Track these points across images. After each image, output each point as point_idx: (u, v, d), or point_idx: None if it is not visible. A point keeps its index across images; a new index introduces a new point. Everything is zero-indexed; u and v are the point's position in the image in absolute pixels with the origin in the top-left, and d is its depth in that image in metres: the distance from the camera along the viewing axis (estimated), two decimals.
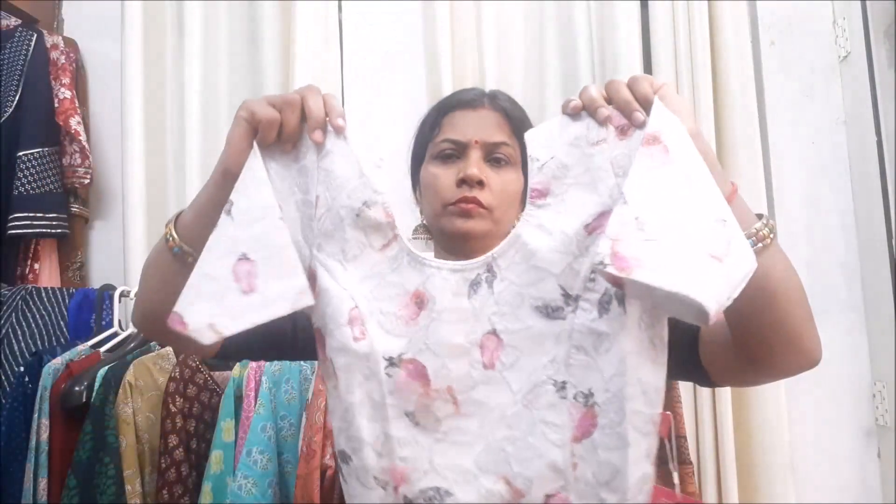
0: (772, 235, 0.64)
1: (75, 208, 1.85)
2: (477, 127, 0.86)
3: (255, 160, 0.65)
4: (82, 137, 1.81)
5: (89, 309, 1.61)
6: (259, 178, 0.64)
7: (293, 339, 0.87)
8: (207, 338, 0.60)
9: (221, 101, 1.77)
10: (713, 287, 0.53)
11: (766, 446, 1.51)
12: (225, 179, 0.66)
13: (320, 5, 1.75)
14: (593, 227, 0.62)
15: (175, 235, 0.71)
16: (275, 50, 1.76)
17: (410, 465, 0.66)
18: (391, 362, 0.66)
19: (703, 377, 0.78)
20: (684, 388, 1.51)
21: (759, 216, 0.65)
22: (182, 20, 1.77)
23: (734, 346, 0.71)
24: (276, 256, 0.63)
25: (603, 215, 0.61)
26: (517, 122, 0.87)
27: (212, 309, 0.61)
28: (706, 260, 0.54)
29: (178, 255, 0.71)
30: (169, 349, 1.39)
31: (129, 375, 1.29)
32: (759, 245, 0.63)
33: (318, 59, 1.73)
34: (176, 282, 0.65)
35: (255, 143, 0.65)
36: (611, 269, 0.53)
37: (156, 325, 0.75)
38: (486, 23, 1.69)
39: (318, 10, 1.75)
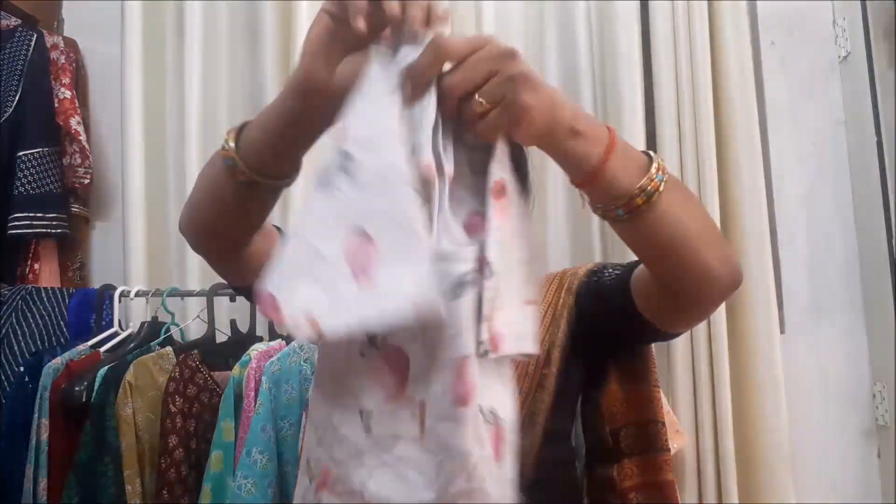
0: (661, 186, 0.59)
1: (75, 208, 1.85)
2: None
3: (378, 81, 0.52)
4: (82, 137, 1.81)
5: (89, 309, 1.61)
6: (386, 122, 0.50)
7: None
8: (305, 334, 0.47)
9: (221, 101, 1.77)
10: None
11: (766, 446, 1.50)
12: (304, 94, 0.57)
13: (320, 5, 1.75)
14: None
15: (231, 145, 0.62)
16: (275, 50, 1.75)
17: (338, 472, 0.55)
18: (371, 341, 0.54)
19: (650, 328, 0.79)
20: (684, 388, 1.51)
21: (648, 156, 0.61)
22: (182, 20, 1.77)
23: (658, 289, 0.72)
24: (404, 239, 0.48)
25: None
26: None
27: (315, 297, 0.47)
28: (524, 308, 0.54)
29: (229, 168, 0.63)
30: (169, 349, 1.39)
31: (129, 375, 1.29)
32: (650, 196, 0.58)
33: None
34: (225, 196, 0.63)
35: (374, 49, 0.52)
36: (492, 355, 0.49)
37: (200, 239, 0.75)
38: (487, 23, 1.69)
39: (318, 10, 1.74)
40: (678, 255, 0.63)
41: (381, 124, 0.50)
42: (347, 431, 0.54)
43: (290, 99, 0.59)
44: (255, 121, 0.63)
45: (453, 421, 0.49)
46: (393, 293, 0.47)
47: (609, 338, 0.92)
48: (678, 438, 1.40)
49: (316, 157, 0.58)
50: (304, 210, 0.52)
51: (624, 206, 0.58)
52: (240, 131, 0.64)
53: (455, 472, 0.48)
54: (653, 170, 0.59)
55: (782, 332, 1.58)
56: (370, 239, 0.48)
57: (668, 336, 0.87)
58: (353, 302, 0.47)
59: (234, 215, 0.69)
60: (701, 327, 1.49)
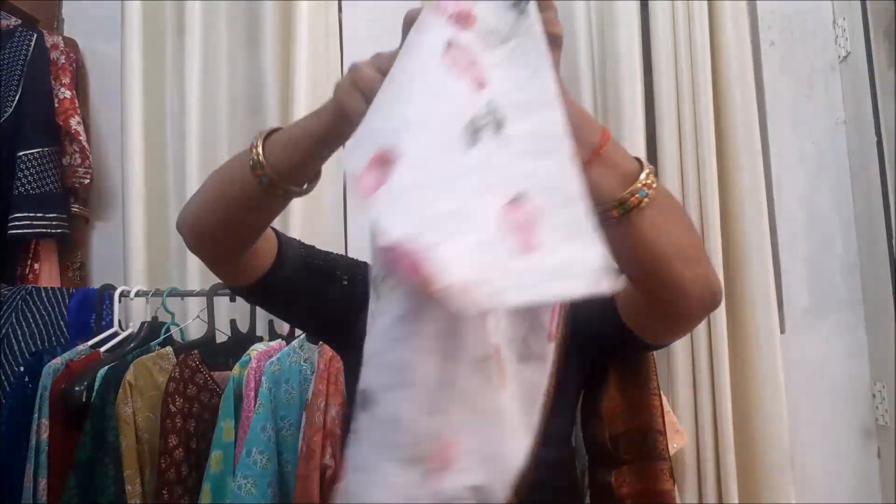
0: (642, 202, 0.58)
1: (75, 208, 1.85)
2: None
3: (526, 43, 0.50)
4: (82, 137, 1.81)
5: (89, 309, 1.61)
6: (542, 86, 0.48)
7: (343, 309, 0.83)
8: (465, 306, 0.40)
9: (221, 101, 1.77)
10: None
11: (766, 446, 1.50)
12: (337, 122, 0.59)
13: (320, 5, 1.75)
14: None
15: (263, 160, 0.64)
16: (275, 50, 1.76)
17: (471, 440, 0.47)
18: None
19: (634, 339, 0.79)
20: (684, 387, 1.51)
21: (641, 165, 0.59)
22: (182, 20, 1.77)
23: (638, 299, 0.71)
24: (568, 206, 0.45)
25: None
26: None
27: (467, 260, 0.41)
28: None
29: (254, 171, 0.64)
30: (169, 349, 1.39)
31: (129, 375, 1.29)
32: (627, 210, 0.58)
33: (318, 59, 1.73)
34: (244, 197, 0.64)
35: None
36: None
37: (205, 239, 0.74)
38: None
39: (318, 10, 1.74)
40: (651, 269, 0.63)
41: (536, 87, 0.48)
42: (465, 383, 0.47)
43: (323, 124, 0.62)
44: (286, 132, 0.66)
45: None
46: (563, 266, 0.43)
47: (597, 346, 0.91)
48: (678, 438, 1.40)
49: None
50: (441, 159, 0.45)
51: (600, 215, 0.56)
52: (267, 136, 0.66)
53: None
54: (638, 184, 0.58)
55: (782, 331, 1.58)
56: (531, 206, 0.44)
57: (652, 347, 0.86)
58: (518, 270, 0.42)
59: (249, 215, 0.70)
60: (701, 327, 1.49)
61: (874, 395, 1.62)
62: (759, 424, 1.51)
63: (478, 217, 0.43)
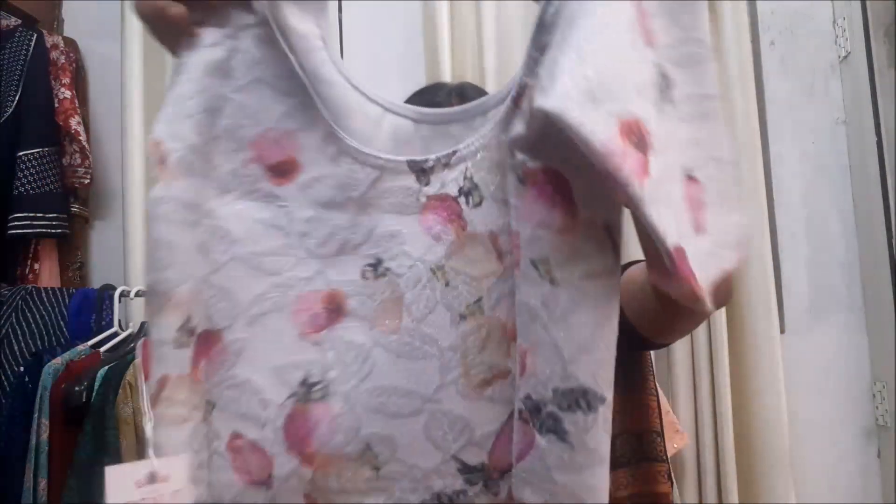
0: None
1: (75, 208, 1.85)
2: None
3: None
4: (82, 137, 1.81)
5: (89, 309, 1.61)
6: (707, 37, 0.44)
7: None
8: (711, 308, 0.40)
9: None
10: None
11: (766, 446, 1.51)
12: None
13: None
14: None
15: None
16: None
17: None
18: None
19: (636, 337, 0.75)
20: (684, 387, 1.51)
21: None
22: None
23: (655, 297, 0.66)
24: (725, 179, 0.44)
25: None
26: None
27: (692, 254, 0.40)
28: None
29: None
30: None
31: (129, 375, 1.29)
32: None
33: None
34: None
35: None
36: None
37: None
38: (487, 22, 1.69)
39: None
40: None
41: (693, 42, 0.44)
42: None
43: None
44: None
45: None
46: (723, 243, 0.42)
47: None
48: (678, 439, 1.40)
49: None
50: (667, 138, 0.41)
51: None
52: None
53: None
54: None
55: (782, 331, 1.58)
56: (700, 179, 0.42)
57: (653, 346, 0.85)
58: (700, 256, 0.40)
59: None
60: (701, 327, 1.49)
61: (874, 395, 1.62)
62: (759, 424, 1.51)
63: (673, 200, 0.41)
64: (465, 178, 0.51)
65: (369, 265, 0.52)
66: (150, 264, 0.49)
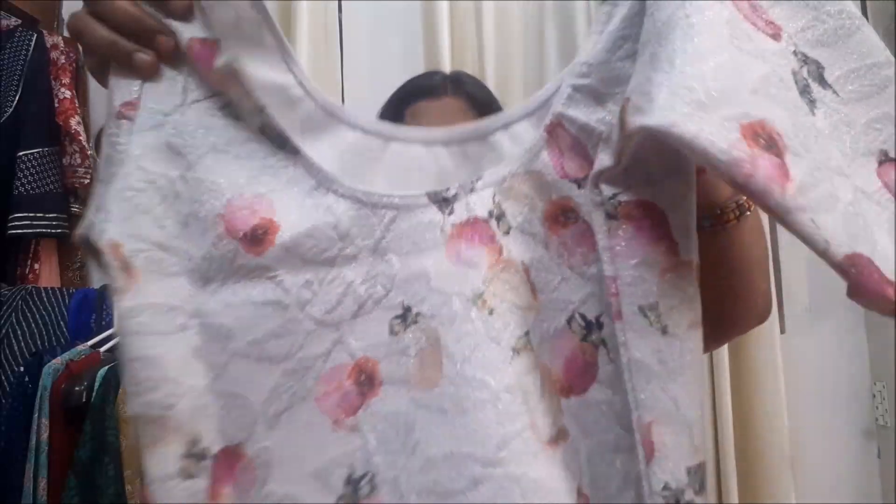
0: (751, 206, 0.54)
1: (75, 208, 1.85)
2: (440, 117, 0.79)
3: None
4: (82, 137, 1.81)
5: (89, 309, 1.61)
6: (848, 5, 0.40)
7: None
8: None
9: None
10: None
11: (766, 446, 1.51)
12: None
13: (320, 5, 1.75)
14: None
15: None
16: None
17: None
18: None
19: None
20: None
21: None
22: None
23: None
24: None
25: None
26: (484, 107, 0.81)
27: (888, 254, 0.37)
28: None
29: None
30: None
31: None
32: (742, 212, 0.53)
33: (318, 59, 1.73)
34: None
35: None
36: None
37: None
38: (487, 22, 1.69)
39: (318, 10, 1.75)
40: (739, 278, 0.57)
41: (828, 15, 0.40)
42: None
43: None
44: None
45: None
46: None
47: None
48: None
49: None
50: (806, 137, 0.36)
51: (715, 218, 0.52)
52: None
53: None
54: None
55: (782, 332, 1.58)
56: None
57: None
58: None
59: None
60: None
61: (874, 396, 1.62)
62: (759, 424, 1.51)
63: (869, 198, 0.37)
64: (493, 202, 0.46)
65: (397, 317, 0.45)
66: (135, 388, 0.41)
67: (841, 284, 0.36)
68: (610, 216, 0.40)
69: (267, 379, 0.43)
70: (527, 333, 0.44)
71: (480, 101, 0.83)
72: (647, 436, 0.38)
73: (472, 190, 0.46)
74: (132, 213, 0.43)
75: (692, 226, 0.41)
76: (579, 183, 0.43)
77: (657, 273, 0.39)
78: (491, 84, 1.59)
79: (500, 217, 0.45)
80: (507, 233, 0.45)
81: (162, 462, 0.41)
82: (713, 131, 0.33)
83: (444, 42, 1.68)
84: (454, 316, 0.43)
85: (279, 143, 0.46)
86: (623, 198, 0.40)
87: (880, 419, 1.60)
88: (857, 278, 0.35)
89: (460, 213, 0.46)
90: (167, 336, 0.43)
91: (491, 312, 0.44)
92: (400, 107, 0.82)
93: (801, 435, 1.58)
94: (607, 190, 0.41)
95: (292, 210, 0.45)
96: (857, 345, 1.64)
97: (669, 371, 0.39)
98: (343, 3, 1.81)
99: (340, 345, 0.44)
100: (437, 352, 0.43)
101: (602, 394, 0.42)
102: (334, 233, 0.45)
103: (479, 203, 0.46)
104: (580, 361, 0.43)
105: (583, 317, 0.43)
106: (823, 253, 0.35)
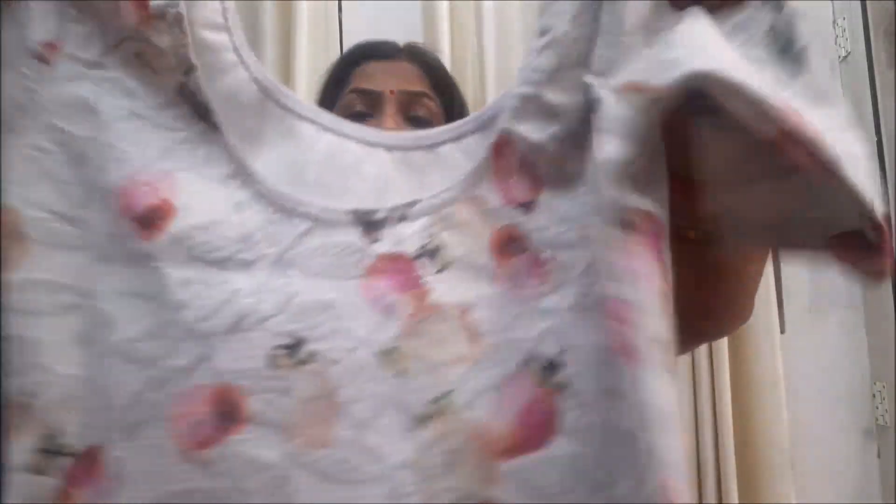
0: None
1: None
2: (393, 76, 0.72)
3: None
4: None
5: None
6: None
7: None
8: None
9: None
10: None
11: (766, 446, 1.51)
12: None
13: (320, 5, 1.75)
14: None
15: None
16: (274, 50, 1.75)
17: None
18: None
19: None
20: (683, 387, 1.51)
21: None
22: None
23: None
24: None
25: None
26: (439, 76, 0.77)
27: None
28: None
29: None
30: None
31: None
32: None
33: (318, 59, 1.73)
34: None
35: None
36: None
37: None
38: (487, 22, 1.69)
39: (318, 10, 1.74)
40: (735, 288, 0.54)
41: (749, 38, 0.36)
42: None
43: None
44: None
45: None
46: None
47: None
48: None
49: None
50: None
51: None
52: None
53: None
54: None
55: (782, 331, 1.58)
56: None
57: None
58: None
59: None
60: None
61: (874, 395, 1.62)
62: (759, 424, 1.51)
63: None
64: (427, 234, 0.40)
65: (282, 347, 0.37)
66: (6, 368, 0.37)
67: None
68: (623, 224, 0.33)
69: (132, 383, 0.37)
70: (448, 393, 0.37)
71: (436, 69, 0.78)
72: (665, 498, 0.31)
73: (403, 218, 0.40)
74: (36, 178, 0.38)
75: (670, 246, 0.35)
76: (526, 207, 0.39)
77: (663, 298, 0.34)
78: (491, 83, 1.59)
79: (434, 252, 0.39)
80: (440, 270, 0.39)
81: (15, 453, 0.37)
82: (751, 81, 0.30)
83: (444, 42, 1.68)
84: (359, 370, 0.37)
85: (201, 112, 0.40)
86: (634, 204, 0.34)
87: (880, 419, 1.60)
88: (885, 239, 0.32)
89: (386, 243, 0.39)
90: (49, 317, 0.38)
91: (403, 373, 0.38)
92: (347, 69, 0.75)
93: (801, 435, 1.57)
94: (617, 193, 0.34)
95: (196, 196, 0.39)
96: (857, 345, 1.64)
97: (674, 415, 0.33)
98: (343, 3, 1.81)
99: (206, 362, 0.37)
100: (331, 407, 0.37)
101: (563, 449, 0.36)
102: (233, 232, 0.39)
103: (410, 235, 0.40)
104: (538, 410, 0.37)
105: (542, 356, 0.37)
106: (866, 209, 0.31)
